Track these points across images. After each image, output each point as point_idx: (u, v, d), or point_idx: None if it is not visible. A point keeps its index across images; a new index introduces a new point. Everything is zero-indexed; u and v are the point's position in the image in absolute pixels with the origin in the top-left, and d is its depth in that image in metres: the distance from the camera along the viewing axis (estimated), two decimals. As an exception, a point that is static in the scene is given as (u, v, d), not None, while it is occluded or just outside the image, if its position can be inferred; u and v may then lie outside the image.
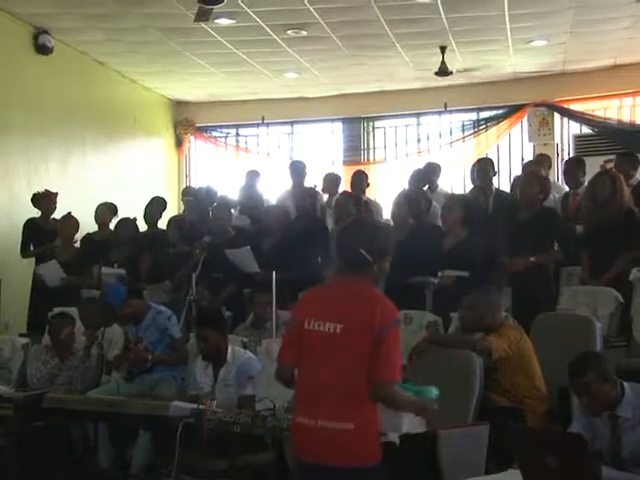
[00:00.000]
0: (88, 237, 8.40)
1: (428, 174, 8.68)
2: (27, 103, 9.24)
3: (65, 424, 5.72)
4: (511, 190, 8.30)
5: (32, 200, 8.39)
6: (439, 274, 6.50)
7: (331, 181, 9.11)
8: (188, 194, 9.77)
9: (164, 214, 8.77)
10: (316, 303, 3.37)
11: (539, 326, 5.52)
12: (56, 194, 8.44)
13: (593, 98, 11.11)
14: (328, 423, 3.15)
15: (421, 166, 9.09)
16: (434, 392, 3.51)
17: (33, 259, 8.29)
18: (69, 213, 8.23)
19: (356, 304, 3.24)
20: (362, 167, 10.87)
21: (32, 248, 8.28)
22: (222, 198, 9.03)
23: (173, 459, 4.58)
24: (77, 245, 8.28)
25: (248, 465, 4.78)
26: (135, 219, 8.38)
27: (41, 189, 8.54)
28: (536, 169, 7.80)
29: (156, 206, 8.71)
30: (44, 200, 8.36)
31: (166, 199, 9.08)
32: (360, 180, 8.88)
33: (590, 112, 11.22)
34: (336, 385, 3.18)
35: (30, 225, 8.32)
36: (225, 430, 4.57)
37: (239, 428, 4.53)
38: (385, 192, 10.97)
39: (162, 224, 8.52)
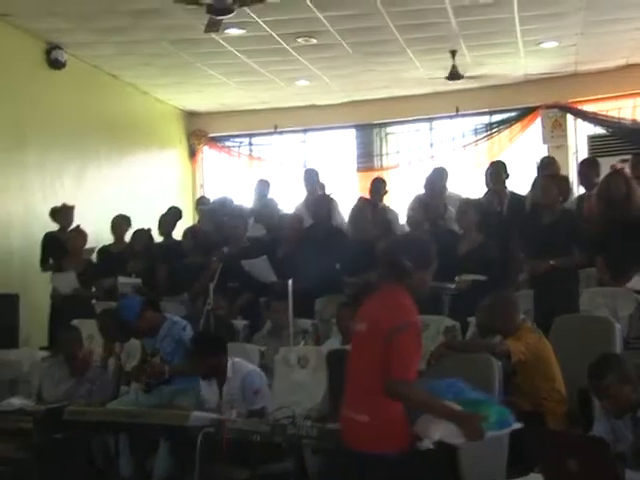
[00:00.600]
0: (104, 249, 8.44)
1: (437, 179, 8.60)
2: (41, 118, 9.31)
3: (85, 436, 5.73)
4: (530, 192, 8.27)
5: (50, 214, 8.45)
6: (455, 279, 6.48)
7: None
8: (203, 204, 9.80)
9: (179, 224, 8.80)
10: (364, 306, 3.69)
11: (558, 328, 5.49)
12: (73, 207, 8.49)
13: (606, 98, 11.08)
14: (350, 413, 3.52)
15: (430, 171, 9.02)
16: (490, 408, 3.51)
17: (49, 273, 8.33)
18: (77, 226, 8.29)
19: (380, 307, 3.56)
20: (375, 173, 10.87)
21: (51, 261, 8.32)
22: (237, 208, 9.04)
23: (194, 469, 4.58)
24: (91, 257, 8.31)
25: (269, 474, 4.78)
26: (149, 230, 8.42)
27: (57, 203, 8.61)
28: (554, 171, 7.76)
29: (170, 216, 8.74)
30: (62, 214, 8.41)
31: (181, 209, 9.13)
32: (378, 187, 8.87)
33: (603, 112, 11.18)
34: (358, 380, 3.54)
35: (49, 239, 8.37)
36: (245, 439, 4.57)
37: (259, 437, 4.54)
38: (399, 198, 10.96)
39: (177, 234, 8.55)
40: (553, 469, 3.09)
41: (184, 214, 9.34)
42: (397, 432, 3.41)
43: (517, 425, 3.56)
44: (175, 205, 9.25)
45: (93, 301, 7.93)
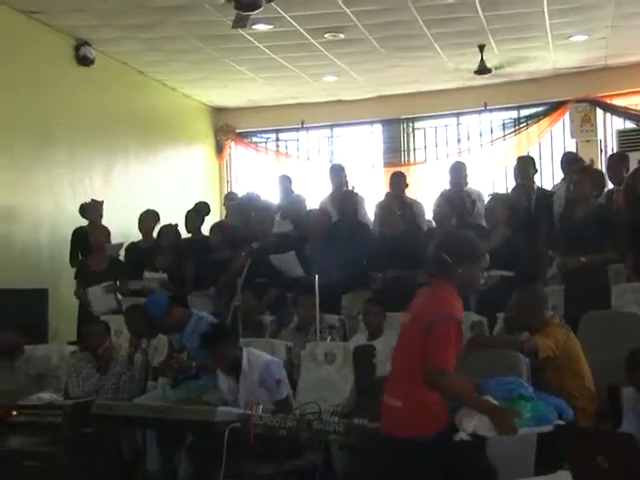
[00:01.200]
0: (132, 246, 8.48)
1: (456, 174, 8.49)
2: (70, 115, 9.37)
3: (113, 430, 5.77)
4: (557, 186, 8.21)
5: (80, 210, 8.49)
6: (485, 274, 6.43)
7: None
8: (230, 199, 9.82)
9: (207, 219, 8.82)
10: (413, 300, 3.84)
11: (587, 324, 5.45)
12: (102, 202, 8.53)
13: (636, 92, 10.95)
14: (388, 399, 3.67)
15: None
16: (528, 405, 3.58)
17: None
18: (100, 222, 8.33)
19: (424, 301, 3.73)
20: (402, 169, 10.82)
21: (80, 257, 8.37)
22: (264, 203, 9.05)
23: (221, 464, 4.60)
24: (118, 253, 8.32)
25: (295, 469, 4.78)
26: (176, 225, 8.45)
27: (85, 199, 8.65)
28: (588, 165, 7.68)
29: (198, 212, 8.77)
30: (91, 209, 8.45)
31: (209, 204, 9.15)
32: (398, 181, 8.84)
33: (633, 107, 11.06)
34: (397, 368, 3.73)
35: (78, 234, 8.42)
36: (272, 434, 4.58)
37: (285, 432, 4.54)
38: (426, 193, 10.92)
39: (205, 230, 8.57)
40: (582, 466, 3.06)
41: (212, 210, 9.36)
42: (430, 417, 3.54)
43: (559, 422, 3.60)
44: (203, 200, 9.28)
45: (120, 297, 7.95)
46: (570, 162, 8.07)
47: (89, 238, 8.16)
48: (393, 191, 8.68)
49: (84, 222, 8.50)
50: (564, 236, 6.49)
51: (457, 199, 7.32)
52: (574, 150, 11.02)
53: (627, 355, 3.87)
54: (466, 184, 8.41)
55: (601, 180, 7.20)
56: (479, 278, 3.80)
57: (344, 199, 8.11)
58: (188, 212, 8.69)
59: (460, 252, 3.73)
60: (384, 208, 7.63)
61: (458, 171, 8.33)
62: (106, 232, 8.22)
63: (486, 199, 7.56)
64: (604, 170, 8.06)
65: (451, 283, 3.70)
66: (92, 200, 8.56)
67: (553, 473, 3.39)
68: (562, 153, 10.35)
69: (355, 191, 8.64)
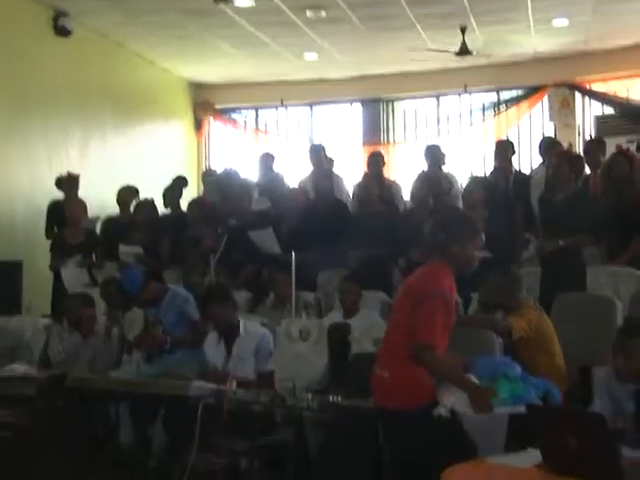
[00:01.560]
0: (109, 220, 8.43)
1: (429, 157, 8.50)
2: (46, 86, 9.27)
3: (87, 404, 5.76)
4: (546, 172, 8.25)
5: (56, 184, 8.43)
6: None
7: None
8: (209, 176, 9.78)
9: (186, 195, 8.79)
10: (407, 278, 4.04)
11: (560, 306, 5.49)
12: (78, 176, 8.47)
13: (615, 78, 11.00)
14: (377, 370, 3.81)
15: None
16: (507, 385, 3.68)
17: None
18: (75, 195, 8.26)
19: (416, 278, 3.85)
20: (382, 148, 10.83)
21: (56, 230, 8.31)
22: (242, 180, 9.02)
23: (193, 439, 4.60)
24: (94, 227, 8.27)
25: (268, 445, 4.80)
26: (153, 201, 8.40)
27: (62, 171, 8.58)
28: (566, 149, 7.72)
29: (176, 187, 8.73)
30: (67, 182, 8.39)
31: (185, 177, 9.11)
32: (376, 161, 8.84)
33: (612, 92, 11.11)
34: (387, 340, 3.87)
35: (53, 207, 8.36)
36: (245, 410, 4.59)
37: (259, 408, 4.55)
38: (405, 173, 10.94)
39: (184, 204, 8.54)
40: (551, 445, 3.10)
41: (190, 185, 9.31)
42: (415, 391, 3.65)
43: (537, 403, 3.66)
44: (179, 174, 9.23)
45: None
46: (548, 146, 8.11)
47: (65, 211, 8.10)
48: (371, 170, 8.68)
49: (60, 195, 8.44)
50: (542, 219, 6.52)
51: (434, 180, 7.33)
52: (552, 134, 11.08)
53: (625, 320, 3.94)
54: (444, 164, 8.44)
55: (579, 164, 7.23)
56: (474, 257, 3.85)
57: (320, 177, 8.10)
58: (165, 189, 8.64)
59: (454, 231, 3.80)
60: (362, 188, 7.63)
61: (432, 154, 8.36)
62: (82, 205, 8.16)
63: (465, 181, 7.60)
64: (582, 154, 8.11)
65: (446, 261, 3.77)
66: (68, 173, 8.50)
67: (523, 450, 3.42)
68: (540, 137, 10.43)
69: (334, 170, 8.64)
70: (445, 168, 8.61)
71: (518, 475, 3.16)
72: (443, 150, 8.54)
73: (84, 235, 7.99)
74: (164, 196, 8.54)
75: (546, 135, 10.66)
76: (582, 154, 7.96)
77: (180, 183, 8.85)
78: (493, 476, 3.15)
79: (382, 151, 9.80)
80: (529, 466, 3.17)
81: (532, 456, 3.24)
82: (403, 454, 3.72)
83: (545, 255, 6.32)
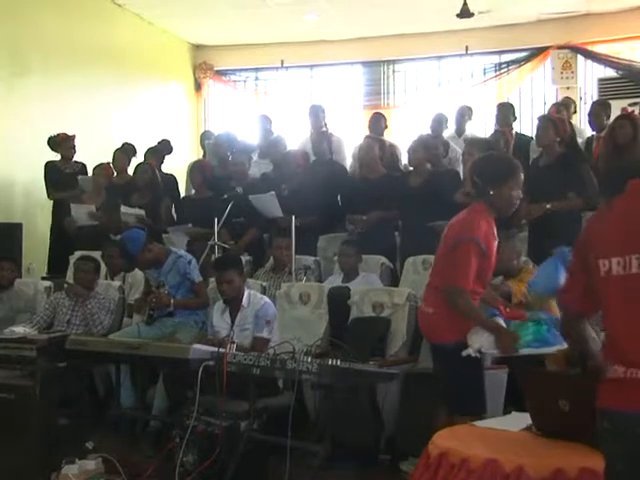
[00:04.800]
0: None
1: (458, 119, 8.63)
2: (45, 47, 9.20)
3: (87, 366, 5.80)
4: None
5: (49, 143, 8.37)
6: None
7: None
8: (207, 138, 9.74)
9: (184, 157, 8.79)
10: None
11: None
12: (73, 137, 8.41)
13: (618, 40, 10.90)
14: (423, 306, 4.16)
15: (443, 110, 8.99)
16: (530, 328, 3.92)
17: (51, 204, 8.31)
18: (108, 163, 8.23)
19: (455, 221, 4.06)
20: (382, 111, 10.76)
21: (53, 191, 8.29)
22: (241, 143, 8.99)
23: (194, 401, 4.64)
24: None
25: (267, 407, 4.84)
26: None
27: (62, 132, 8.52)
28: (552, 112, 7.68)
29: (156, 151, 8.75)
30: (62, 144, 8.34)
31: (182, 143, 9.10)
32: (378, 122, 8.82)
33: (615, 54, 11.02)
34: (432, 278, 4.13)
35: (50, 168, 8.32)
36: (245, 373, 4.62)
37: (259, 371, 4.58)
38: (405, 136, 10.88)
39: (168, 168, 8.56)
40: (542, 408, 3.12)
41: (189, 147, 9.29)
42: (454, 327, 3.89)
43: (559, 347, 3.84)
44: (164, 138, 9.21)
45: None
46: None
47: (94, 176, 8.08)
48: (372, 132, 8.66)
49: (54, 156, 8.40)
50: (528, 183, 6.48)
51: (431, 143, 7.30)
52: (554, 97, 11.01)
53: None
54: (446, 128, 8.47)
55: (564, 127, 7.16)
56: (512, 197, 3.99)
57: (319, 140, 8.06)
58: (146, 151, 8.65)
59: (490, 173, 3.96)
60: (363, 150, 7.60)
61: (439, 122, 8.38)
62: (110, 174, 8.16)
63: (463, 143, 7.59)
64: (586, 117, 8.07)
65: (485, 205, 3.94)
66: (62, 133, 8.40)
67: (508, 414, 3.50)
68: (542, 99, 10.39)
69: (333, 132, 8.60)
70: (447, 132, 8.64)
71: (508, 438, 3.19)
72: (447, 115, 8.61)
73: (102, 200, 7.94)
74: (145, 158, 8.55)
75: (558, 97, 10.59)
76: (587, 116, 7.93)
77: (163, 148, 8.87)
78: (484, 439, 3.18)
79: (383, 113, 9.74)
80: (518, 429, 3.21)
81: (520, 420, 3.27)
82: (443, 378, 4.04)
83: (533, 220, 6.25)
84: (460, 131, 8.72)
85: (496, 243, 4.03)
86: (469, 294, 3.87)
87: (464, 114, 8.83)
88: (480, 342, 3.84)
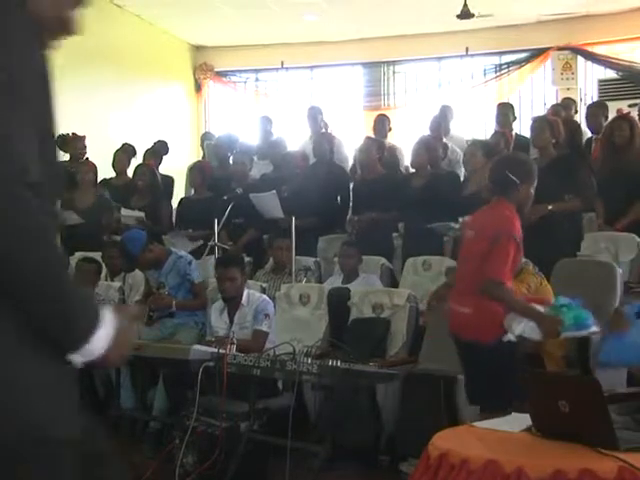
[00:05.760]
0: (104, 182, 8.38)
1: (441, 118, 8.59)
2: (45, 47, 9.18)
3: (87, 366, 5.79)
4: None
5: (59, 144, 8.32)
6: (459, 220, 6.46)
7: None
8: (208, 139, 9.74)
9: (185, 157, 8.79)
10: (473, 217, 4.40)
11: (560, 272, 5.48)
12: (84, 137, 8.39)
13: (618, 41, 10.90)
14: (456, 307, 4.14)
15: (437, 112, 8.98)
16: (570, 312, 3.99)
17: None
18: (86, 158, 8.21)
19: (487, 217, 4.16)
20: (383, 112, 10.77)
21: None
22: (242, 145, 8.99)
23: (194, 402, 4.64)
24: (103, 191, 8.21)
25: (268, 408, 4.84)
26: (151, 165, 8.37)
27: (62, 132, 8.50)
28: (548, 113, 7.68)
29: (155, 151, 8.75)
30: (72, 143, 8.30)
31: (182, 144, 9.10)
32: (382, 124, 8.82)
33: (615, 56, 11.02)
34: (464, 278, 4.15)
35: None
36: (245, 374, 4.62)
37: (259, 372, 4.58)
38: (406, 137, 10.89)
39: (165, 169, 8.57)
40: (542, 409, 3.12)
41: (189, 148, 9.30)
42: (493, 324, 3.96)
43: (595, 329, 4.06)
44: (160, 139, 9.21)
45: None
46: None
47: (77, 175, 7.95)
48: (377, 133, 8.66)
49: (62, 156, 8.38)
50: None
51: (433, 145, 7.31)
52: (554, 98, 11.02)
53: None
54: (449, 130, 8.47)
55: (558, 128, 7.16)
56: (531, 199, 4.18)
57: (320, 141, 8.07)
58: (145, 152, 8.65)
59: (521, 171, 4.10)
60: (362, 152, 7.61)
61: (444, 115, 8.38)
62: (95, 169, 8.09)
63: (465, 145, 7.59)
64: (583, 118, 8.06)
65: (510, 201, 4.06)
66: (73, 134, 8.38)
67: (508, 415, 3.50)
68: (542, 100, 10.39)
69: (333, 133, 8.60)
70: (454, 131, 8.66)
71: (508, 439, 3.19)
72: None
73: (94, 198, 7.87)
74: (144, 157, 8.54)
75: (558, 98, 10.59)
76: (585, 118, 7.92)
77: (161, 149, 8.87)
78: (484, 440, 3.18)
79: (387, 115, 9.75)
80: (518, 430, 3.21)
81: (520, 420, 3.27)
82: (476, 376, 4.11)
83: (538, 221, 6.22)
84: (445, 131, 8.68)
85: None
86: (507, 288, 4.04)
87: (447, 114, 8.78)
88: (521, 328, 3.95)
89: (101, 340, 1.65)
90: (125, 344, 1.73)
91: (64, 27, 1.96)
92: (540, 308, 4.05)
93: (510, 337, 3.93)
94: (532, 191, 4.14)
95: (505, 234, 3.97)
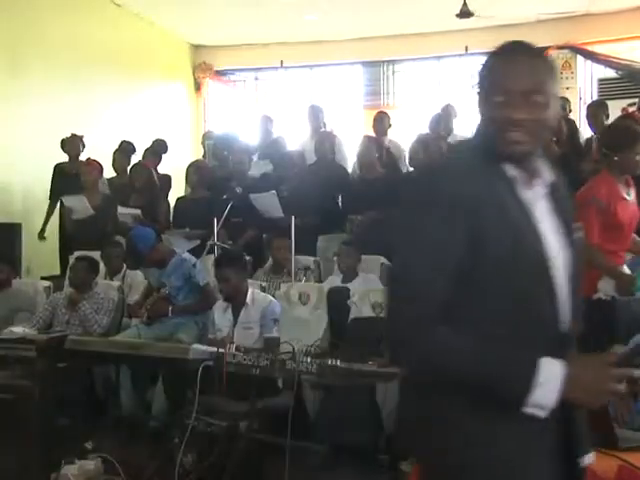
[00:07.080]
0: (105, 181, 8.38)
1: (445, 117, 8.61)
2: (46, 46, 9.20)
3: (87, 366, 5.79)
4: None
5: (61, 145, 8.37)
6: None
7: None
8: (208, 138, 9.73)
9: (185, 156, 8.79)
10: None
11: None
12: (81, 137, 8.40)
13: (618, 40, 10.90)
14: None
15: (439, 110, 9.00)
16: None
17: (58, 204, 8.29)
18: (89, 158, 8.20)
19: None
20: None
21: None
22: (242, 144, 8.97)
23: (193, 402, 4.63)
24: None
25: (267, 407, 4.83)
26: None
27: (62, 132, 8.51)
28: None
29: (154, 151, 8.75)
30: (69, 143, 8.32)
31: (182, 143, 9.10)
32: (381, 121, 8.81)
33: (614, 55, 11.00)
34: None
35: (57, 171, 8.31)
36: (244, 373, 4.61)
37: (258, 371, 4.57)
38: (405, 136, 10.88)
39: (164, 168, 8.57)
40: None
41: (188, 147, 9.29)
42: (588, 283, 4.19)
43: None
44: (161, 138, 9.21)
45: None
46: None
47: (82, 175, 7.88)
48: (376, 130, 8.64)
49: (60, 156, 8.37)
50: None
51: (432, 143, 7.30)
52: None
53: None
54: (452, 130, 8.46)
55: (558, 127, 7.14)
56: (636, 162, 4.43)
57: (321, 140, 8.06)
58: (145, 151, 8.65)
59: (614, 141, 4.46)
60: (361, 151, 7.60)
61: (447, 113, 8.46)
62: (98, 168, 8.03)
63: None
64: (584, 118, 8.06)
65: (611, 170, 4.42)
66: (72, 134, 8.40)
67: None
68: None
69: (333, 132, 8.59)
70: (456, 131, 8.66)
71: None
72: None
73: (100, 198, 7.81)
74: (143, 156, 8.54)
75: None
76: (585, 117, 7.91)
77: (160, 148, 8.87)
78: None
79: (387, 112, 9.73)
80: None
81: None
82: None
83: None
84: (448, 130, 8.68)
85: (625, 203, 4.46)
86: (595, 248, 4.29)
87: (450, 113, 8.79)
88: (605, 287, 4.32)
89: (548, 389, 1.82)
90: (586, 386, 1.85)
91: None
92: (626, 269, 4.44)
93: (600, 295, 4.28)
94: (634, 156, 4.39)
95: (582, 201, 4.23)
